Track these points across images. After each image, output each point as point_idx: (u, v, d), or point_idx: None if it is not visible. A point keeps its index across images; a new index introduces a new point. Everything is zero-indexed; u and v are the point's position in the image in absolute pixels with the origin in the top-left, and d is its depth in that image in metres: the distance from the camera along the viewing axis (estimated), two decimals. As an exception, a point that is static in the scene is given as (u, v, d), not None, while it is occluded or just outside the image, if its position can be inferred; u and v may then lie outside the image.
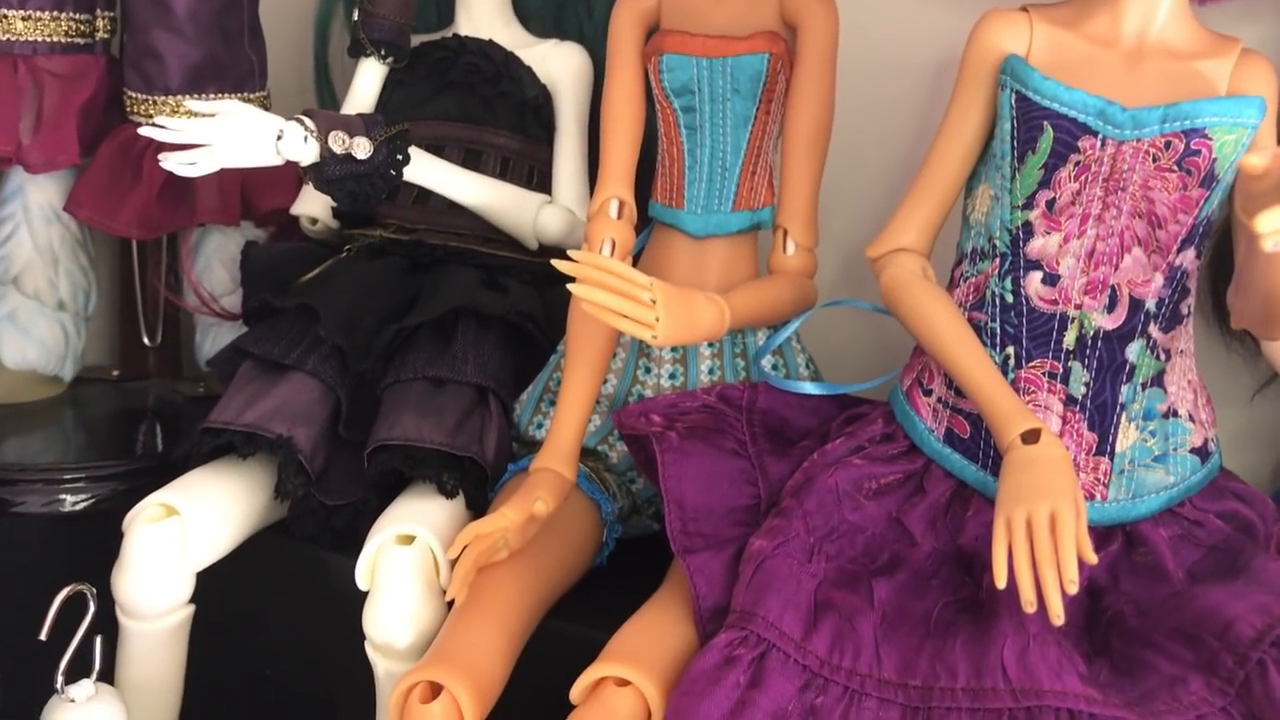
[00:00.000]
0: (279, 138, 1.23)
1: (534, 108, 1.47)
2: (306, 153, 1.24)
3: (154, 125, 1.21)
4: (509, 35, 1.51)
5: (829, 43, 1.23)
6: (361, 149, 1.26)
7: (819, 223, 1.24)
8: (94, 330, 1.68)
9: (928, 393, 1.09)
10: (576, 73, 1.48)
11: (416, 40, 1.51)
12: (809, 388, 1.18)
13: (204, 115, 1.22)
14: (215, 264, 1.60)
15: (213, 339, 1.61)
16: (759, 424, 1.15)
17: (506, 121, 1.46)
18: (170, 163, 1.20)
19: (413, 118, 1.45)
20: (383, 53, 1.47)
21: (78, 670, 1.02)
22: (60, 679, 1.00)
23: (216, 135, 1.20)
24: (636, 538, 1.30)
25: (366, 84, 1.49)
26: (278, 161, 1.24)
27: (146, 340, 1.69)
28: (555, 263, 1.04)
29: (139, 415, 1.63)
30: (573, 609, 1.17)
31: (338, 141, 1.24)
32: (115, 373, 1.72)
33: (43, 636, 0.98)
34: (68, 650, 1.01)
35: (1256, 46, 1.04)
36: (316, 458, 1.24)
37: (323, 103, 1.67)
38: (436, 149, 1.43)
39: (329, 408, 1.29)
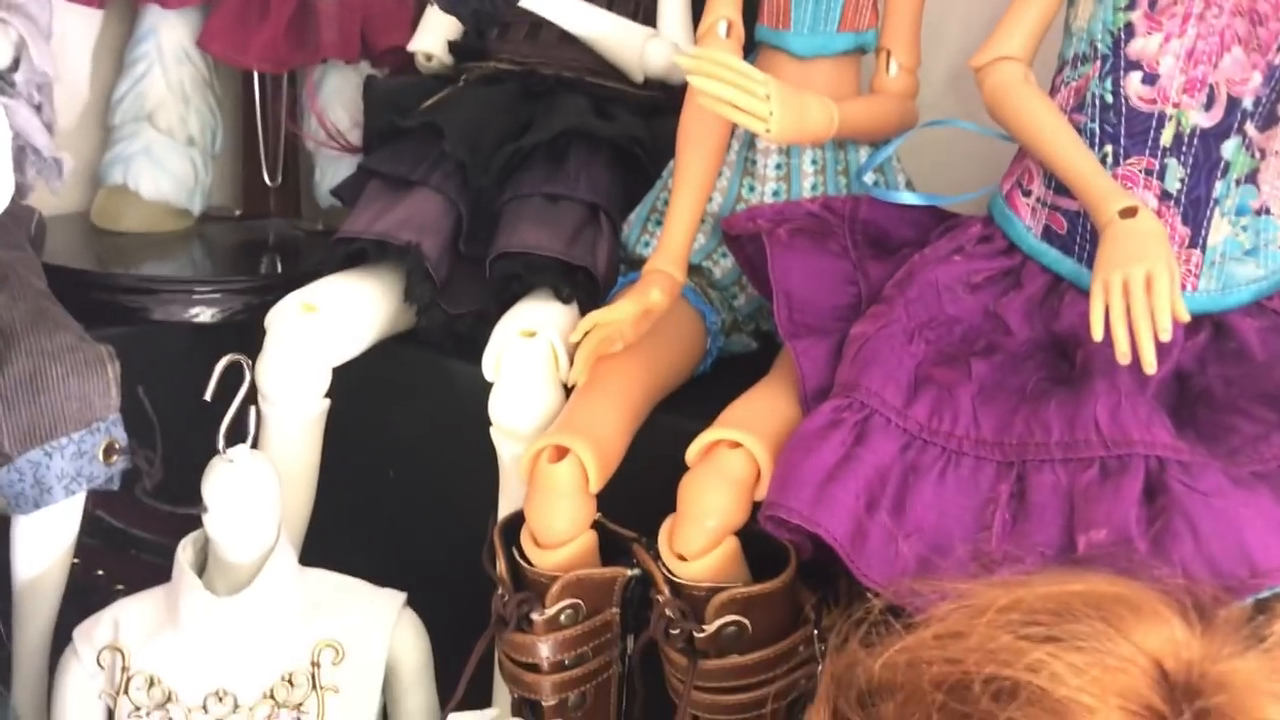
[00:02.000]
0: (409, -45, 1.29)
1: (640, -57, 1.52)
2: (432, -27, 1.31)
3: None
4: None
5: None
6: (485, -33, 1.33)
7: (922, 44, 1.28)
8: (218, 172, 1.78)
9: (1027, 193, 1.14)
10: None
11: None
12: (910, 198, 1.23)
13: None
14: (335, 104, 1.69)
15: (332, 175, 1.70)
16: (860, 232, 1.20)
17: (615, -48, 1.51)
18: None
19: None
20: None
21: (234, 437, 1.12)
22: (222, 441, 1.10)
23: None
24: (736, 355, 1.37)
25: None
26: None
27: (268, 180, 1.78)
28: (676, 58, 1.10)
29: (263, 246, 1.73)
30: (681, 405, 1.25)
31: (463, -39, 1.31)
32: (238, 212, 1.82)
33: (207, 397, 1.08)
34: (226, 416, 1.10)
35: None
36: (441, 266, 1.33)
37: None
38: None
39: (452, 220, 1.37)
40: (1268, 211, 1.08)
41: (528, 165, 1.39)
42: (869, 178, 1.30)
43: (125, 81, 1.66)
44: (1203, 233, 1.07)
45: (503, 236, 1.32)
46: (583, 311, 1.30)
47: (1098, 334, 0.92)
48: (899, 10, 1.28)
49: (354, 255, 1.34)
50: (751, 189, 1.34)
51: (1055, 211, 1.11)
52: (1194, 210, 1.06)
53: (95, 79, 1.71)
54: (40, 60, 1.36)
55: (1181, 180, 1.06)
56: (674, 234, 1.24)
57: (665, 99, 1.51)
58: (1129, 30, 1.07)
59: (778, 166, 1.32)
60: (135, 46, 1.66)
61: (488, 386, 1.24)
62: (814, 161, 1.31)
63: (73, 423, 1.12)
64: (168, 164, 1.66)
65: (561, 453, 1.07)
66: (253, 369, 1.12)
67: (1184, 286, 1.06)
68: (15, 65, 1.35)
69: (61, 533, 1.17)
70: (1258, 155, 1.07)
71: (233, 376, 1.12)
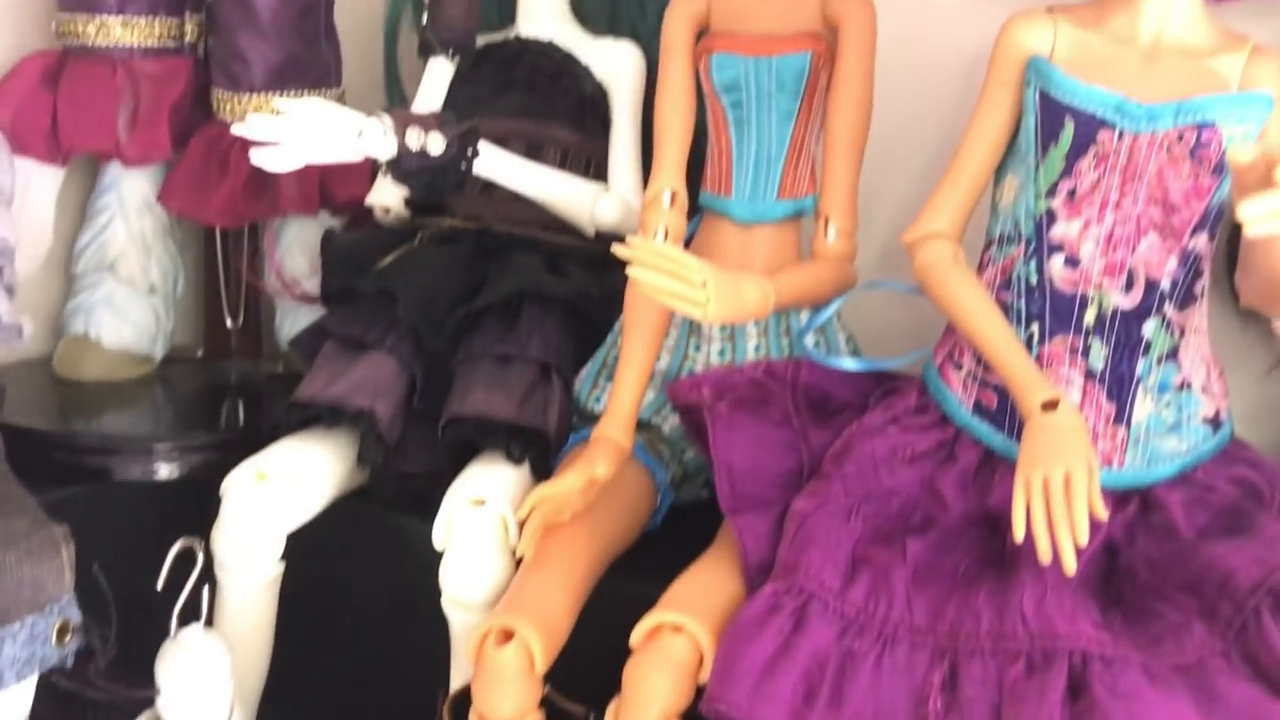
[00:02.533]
0: (359, 135, 1.33)
1: (591, 103, 1.57)
2: (385, 148, 1.35)
3: (244, 125, 1.32)
4: (567, 34, 1.60)
5: (868, 40, 1.31)
6: (435, 144, 1.37)
7: (859, 211, 1.32)
8: (180, 312, 1.81)
9: (958, 367, 1.17)
10: (631, 69, 1.58)
11: (481, 40, 1.62)
12: (848, 364, 1.27)
13: (290, 114, 1.32)
14: (295, 250, 1.72)
15: (292, 320, 1.73)
16: (802, 397, 1.24)
17: (566, 116, 1.56)
18: (259, 158, 1.31)
19: (479, 114, 1.55)
20: (450, 53, 1.57)
21: (186, 617, 1.14)
22: (174, 624, 1.11)
23: (302, 133, 1.31)
24: (688, 504, 1.40)
25: (435, 82, 1.60)
26: (358, 158, 1.35)
27: (229, 322, 1.80)
28: (614, 248, 1.14)
29: (224, 392, 1.75)
30: (630, 567, 1.27)
31: (414, 138, 1.35)
32: (200, 352, 1.84)
33: (159, 588, 1.10)
34: (180, 598, 1.12)
35: (1268, 43, 1.12)
36: (394, 428, 1.35)
37: (392, 98, 1.77)
38: (501, 143, 1.53)
39: (405, 383, 1.39)
40: (1189, 387, 1.12)
41: (481, 325, 1.42)
42: (810, 339, 1.34)
43: (88, 232, 1.69)
44: (1128, 409, 1.10)
45: (455, 400, 1.34)
46: (535, 470, 1.33)
47: (1019, 535, 0.95)
48: (835, 178, 1.33)
49: (309, 418, 1.37)
50: (698, 348, 1.37)
51: (986, 387, 1.14)
52: (1118, 388, 1.10)
53: (59, 228, 1.74)
54: (2, 228, 1.38)
55: (1105, 359, 1.10)
56: (620, 403, 1.27)
57: (617, 251, 1.55)
58: (1051, 216, 1.12)
59: (723, 328, 1.36)
60: (98, 198, 1.69)
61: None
62: (757, 323, 1.35)
63: (26, 607, 1.13)
64: (129, 313, 1.68)
65: (508, 635, 1.09)
66: (205, 550, 1.14)
67: (1110, 462, 1.10)
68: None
69: (13, 715, 1.17)
70: (1177, 334, 1.11)
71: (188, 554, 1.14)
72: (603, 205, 1.53)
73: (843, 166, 1.33)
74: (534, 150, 1.55)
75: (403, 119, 1.36)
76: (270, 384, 1.75)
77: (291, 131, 1.31)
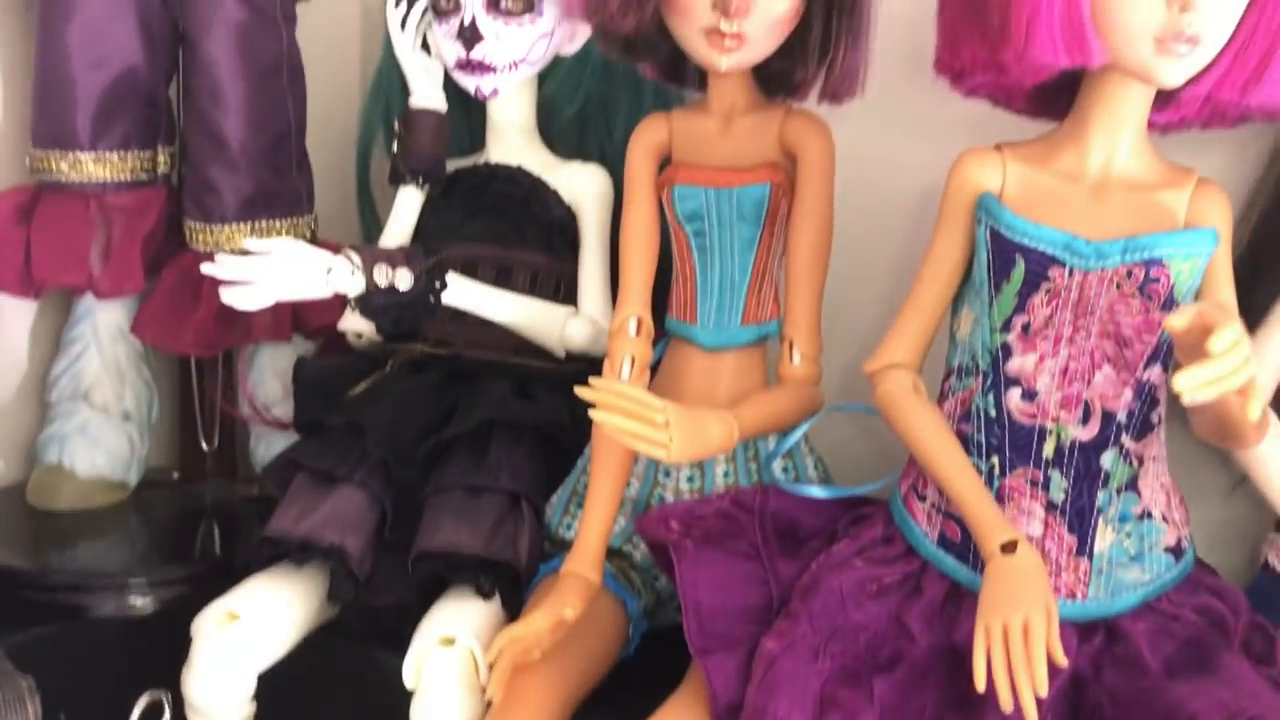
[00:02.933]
0: (328, 272, 1.35)
1: (560, 227, 1.59)
2: (353, 285, 1.37)
3: (214, 264, 1.34)
4: (535, 159, 1.63)
5: (826, 169, 1.34)
6: (403, 280, 1.39)
7: (822, 336, 1.34)
8: (155, 434, 1.81)
9: (922, 498, 1.18)
10: (598, 193, 1.60)
11: (451, 166, 1.64)
12: (816, 492, 1.28)
13: (260, 253, 1.34)
14: (268, 374, 1.73)
15: (266, 444, 1.73)
16: (770, 526, 1.24)
17: (535, 241, 1.58)
18: (230, 297, 1.33)
19: (449, 239, 1.58)
20: (420, 181, 1.60)
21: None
22: (140, 777, 1.11)
23: (271, 272, 1.33)
24: (663, 628, 1.39)
25: (406, 209, 1.62)
26: (327, 294, 1.36)
27: (204, 445, 1.81)
28: (577, 390, 1.15)
29: (199, 517, 1.74)
30: (603, 700, 1.26)
31: (381, 274, 1.37)
32: (175, 474, 1.83)
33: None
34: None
35: (1214, 175, 1.14)
36: (365, 563, 1.35)
37: (365, 222, 1.80)
38: (471, 267, 1.55)
39: (376, 515, 1.40)
40: (1149, 516, 1.13)
41: (451, 454, 1.42)
42: (778, 465, 1.35)
43: (62, 360, 1.70)
44: (1089, 541, 1.11)
45: (424, 535, 1.35)
46: (505, 603, 1.32)
47: (980, 684, 0.95)
48: (798, 302, 1.35)
49: (281, 553, 1.36)
50: (667, 474, 1.38)
51: (949, 520, 1.15)
52: (1079, 520, 1.11)
53: (33, 356, 1.75)
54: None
55: (1065, 491, 1.11)
56: (588, 539, 1.28)
57: (588, 372, 1.56)
58: (1006, 350, 1.13)
59: (691, 456, 1.37)
60: (72, 327, 1.70)
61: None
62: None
63: (-11, 764, 1.12)
64: (103, 440, 1.68)
65: (477, 782, 1.08)
66: (172, 704, 1.13)
67: (1074, 594, 1.10)
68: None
69: None
70: (1135, 463, 1.12)
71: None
72: (572, 328, 1.54)
73: (805, 291, 1.34)
74: (504, 274, 1.56)
75: (370, 256, 1.38)
76: (245, 508, 1.74)
77: (261, 271, 1.33)
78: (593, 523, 1.28)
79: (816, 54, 1.29)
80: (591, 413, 1.13)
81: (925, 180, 1.29)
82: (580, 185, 1.61)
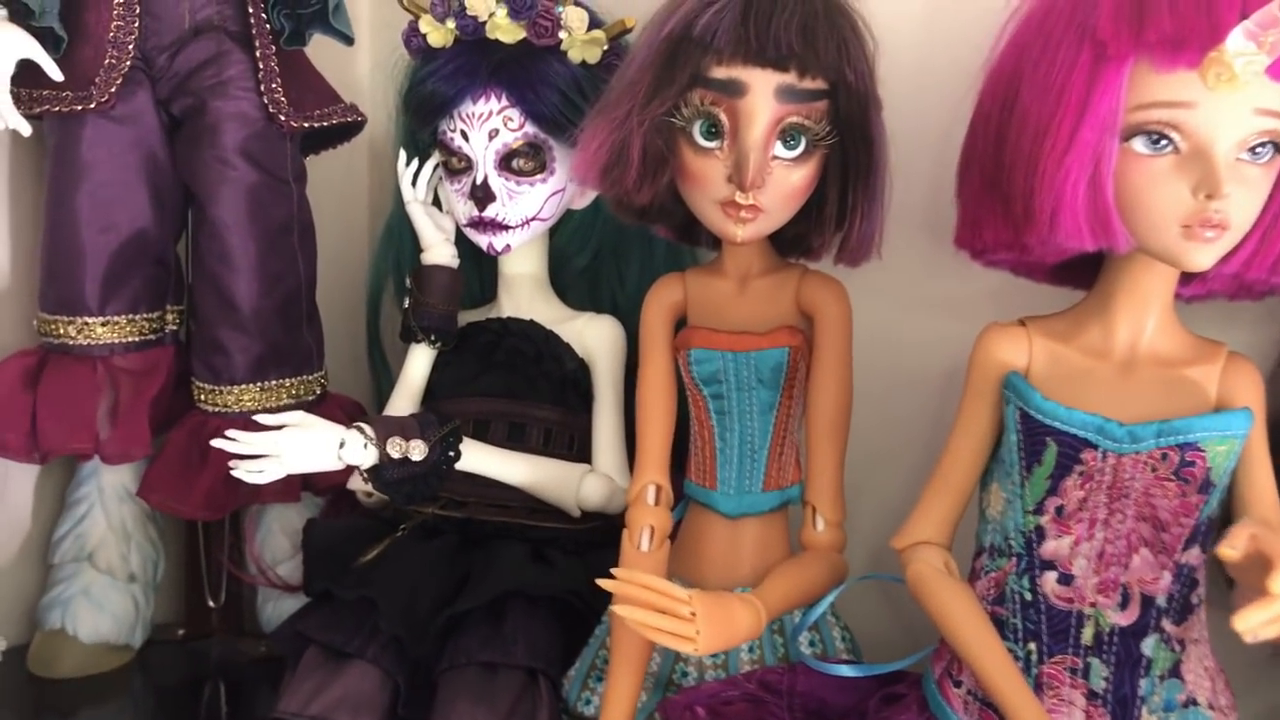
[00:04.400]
0: (340, 446, 1.33)
1: (573, 381, 1.57)
2: (366, 458, 1.34)
3: (225, 439, 1.31)
4: (548, 311, 1.62)
5: (845, 330, 1.32)
6: (417, 451, 1.36)
7: (850, 513, 1.31)
8: (159, 590, 1.77)
9: (957, 684, 1.14)
10: (611, 345, 1.59)
11: (462, 319, 1.63)
12: (845, 670, 1.24)
13: (273, 427, 1.32)
14: (276, 531, 1.69)
15: (274, 604, 1.69)
16: (800, 708, 1.21)
17: (548, 395, 1.56)
18: (240, 471, 1.31)
19: (460, 394, 1.56)
20: (433, 338, 1.58)
21: None
22: None
23: (284, 446, 1.31)
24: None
25: (418, 366, 1.60)
26: (339, 468, 1.34)
27: (210, 602, 1.77)
28: (600, 582, 1.12)
29: (205, 679, 1.69)
30: None
31: (395, 447, 1.35)
32: (181, 631, 1.79)
33: None
34: None
35: (1243, 349, 1.12)
36: (378, 745, 1.31)
37: (374, 368, 1.78)
38: (483, 423, 1.53)
39: (389, 692, 1.35)
40: (1194, 703, 1.09)
41: (466, 625, 1.39)
42: (803, 639, 1.31)
43: (66, 522, 1.67)
44: (1133, 732, 1.07)
45: (439, 717, 1.30)
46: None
47: None
48: (820, 466, 1.32)
49: (291, 731, 1.32)
50: (689, 648, 1.34)
51: (987, 709, 1.11)
52: (1122, 709, 1.07)
53: (36, 516, 1.71)
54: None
55: (1106, 679, 1.08)
56: (611, 721, 1.24)
57: (604, 530, 1.53)
58: (1040, 533, 1.10)
59: (714, 628, 1.33)
60: (77, 488, 1.67)
61: None
62: (749, 623, 1.32)
63: None
64: (108, 604, 1.65)
65: None
66: None
67: (1121, 789, 1.06)
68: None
69: None
70: (1177, 648, 1.09)
71: None
72: (588, 486, 1.51)
73: (827, 454, 1.31)
74: (516, 430, 1.54)
75: (384, 428, 1.36)
76: (253, 669, 1.70)
77: (273, 445, 1.30)
78: (614, 709, 1.24)
79: (833, 223, 1.28)
80: (615, 607, 1.09)
81: (947, 358, 1.27)
82: (593, 338, 1.59)
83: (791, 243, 1.35)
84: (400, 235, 1.70)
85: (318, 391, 1.66)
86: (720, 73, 1.21)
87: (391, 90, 1.65)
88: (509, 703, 1.31)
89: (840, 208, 1.27)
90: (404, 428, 1.37)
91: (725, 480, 1.35)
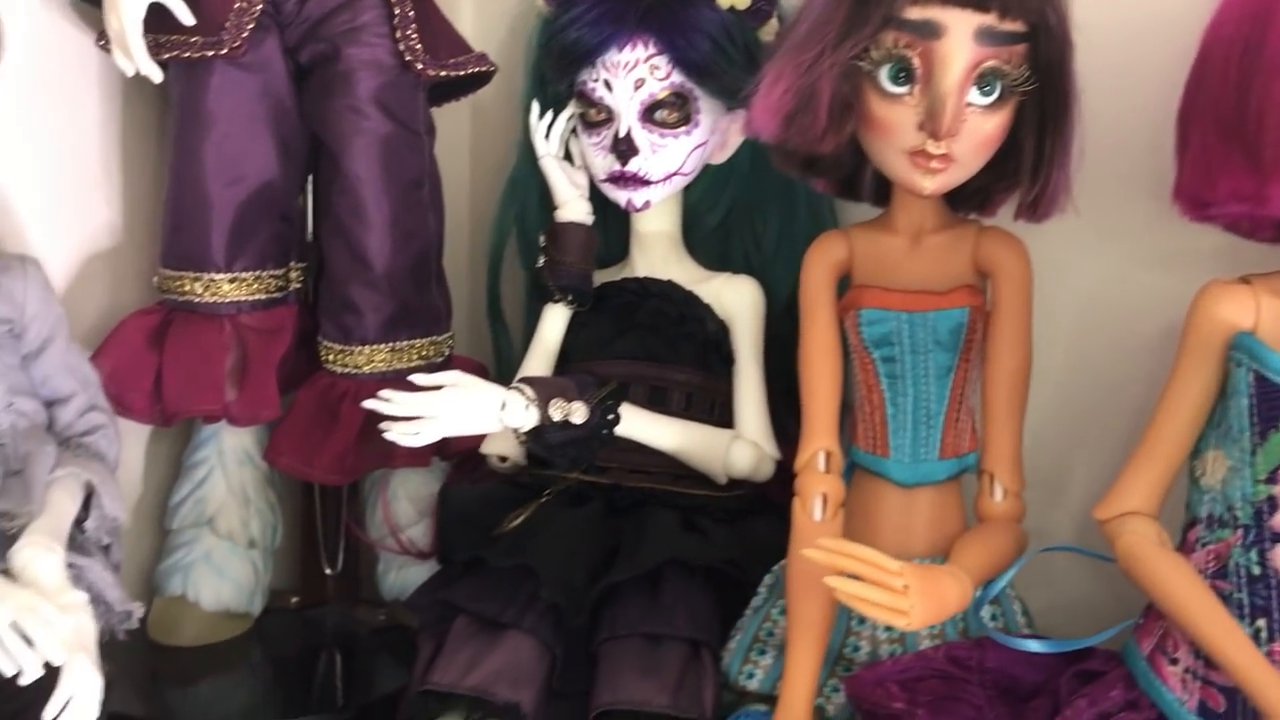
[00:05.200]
0: (502, 407, 1.27)
1: (715, 343, 1.51)
2: (528, 420, 1.29)
3: (380, 401, 1.26)
4: (683, 272, 1.56)
5: (1025, 290, 1.26)
6: (579, 414, 1.31)
7: (1052, 481, 1.24)
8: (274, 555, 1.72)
9: (1173, 661, 1.08)
10: (751, 305, 1.53)
11: (596, 280, 1.57)
12: (1034, 645, 1.18)
13: (430, 387, 1.26)
14: (400, 496, 1.64)
15: (398, 571, 1.64)
16: (991, 685, 1.15)
17: (690, 358, 1.50)
18: (396, 434, 1.25)
19: (598, 357, 1.50)
20: (570, 298, 1.52)
21: None
22: None
23: (442, 408, 1.25)
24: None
25: (553, 327, 1.55)
26: (498, 429, 1.28)
27: (326, 569, 1.72)
28: (807, 552, 1.06)
29: (324, 649, 1.65)
30: None
31: (557, 409, 1.29)
32: (295, 599, 1.74)
33: None
34: None
35: None
36: (538, 718, 1.26)
37: (496, 334, 1.72)
38: (623, 387, 1.47)
39: (546, 664, 1.30)
40: None
41: (621, 595, 1.33)
42: (985, 612, 1.25)
43: (184, 486, 1.62)
44: (1377, 718, 1.01)
45: (604, 688, 1.25)
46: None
47: None
48: (999, 433, 1.26)
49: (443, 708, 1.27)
50: (861, 621, 1.28)
51: (1209, 686, 1.05)
52: (1359, 689, 1.01)
53: (148, 480, 1.66)
54: (111, 506, 1.31)
55: (1349, 660, 1.02)
56: (794, 704, 1.18)
57: (751, 499, 1.48)
58: (1271, 503, 1.04)
59: (889, 599, 1.27)
60: (195, 451, 1.62)
61: None
62: (927, 595, 1.26)
63: None
64: (229, 570, 1.60)
65: None
66: None
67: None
68: (84, 514, 1.30)
69: None
70: None
71: None
72: (736, 452, 1.46)
73: (1007, 421, 1.26)
74: (658, 394, 1.49)
75: (545, 389, 1.30)
76: (372, 639, 1.65)
77: (431, 407, 1.25)
78: (797, 687, 1.18)
79: (1029, 175, 1.21)
80: (827, 579, 1.03)
81: (1162, 319, 1.20)
82: (732, 299, 1.53)
83: (970, 197, 1.28)
84: (525, 191, 1.64)
85: (446, 353, 1.59)
86: (915, 13, 1.14)
87: (495, 41, 1.58)
88: (676, 675, 1.26)
89: (1036, 158, 1.20)
90: (564, 389, 1.32)
91: (899, 448, 1.29)
